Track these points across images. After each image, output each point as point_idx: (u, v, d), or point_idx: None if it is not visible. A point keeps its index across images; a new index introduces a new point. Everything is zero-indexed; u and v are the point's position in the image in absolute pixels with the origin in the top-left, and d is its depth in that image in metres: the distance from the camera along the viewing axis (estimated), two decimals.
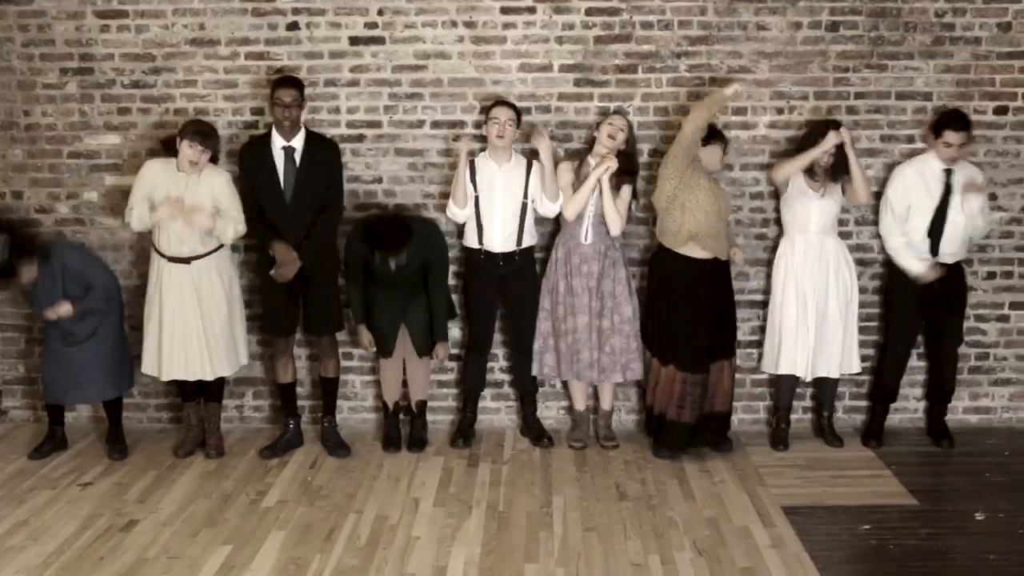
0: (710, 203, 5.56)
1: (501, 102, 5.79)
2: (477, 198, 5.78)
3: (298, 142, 5.63)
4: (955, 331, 6.00)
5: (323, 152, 5.70)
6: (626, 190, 5.75)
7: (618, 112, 5.86)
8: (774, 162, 5.98)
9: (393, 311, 5.80)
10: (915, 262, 5.79)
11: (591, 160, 5.74)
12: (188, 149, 5.50)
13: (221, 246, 5.70)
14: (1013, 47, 5.98)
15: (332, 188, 5.73)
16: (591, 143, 5.81)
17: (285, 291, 5.73)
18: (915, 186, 5.78)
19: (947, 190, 5.73)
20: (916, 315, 5.92)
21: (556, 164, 5.78)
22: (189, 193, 5.53)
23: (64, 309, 5.53)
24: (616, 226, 5.74)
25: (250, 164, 5.68)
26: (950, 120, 5.70)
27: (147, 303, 5.75)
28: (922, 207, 5.77)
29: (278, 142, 5.62)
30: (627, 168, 5.72)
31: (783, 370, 5.89)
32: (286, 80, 5.65)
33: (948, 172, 5.74)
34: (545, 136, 5.67)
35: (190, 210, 5.50)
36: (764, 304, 6.13)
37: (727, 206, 5.70)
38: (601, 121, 5.76)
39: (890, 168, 5.99)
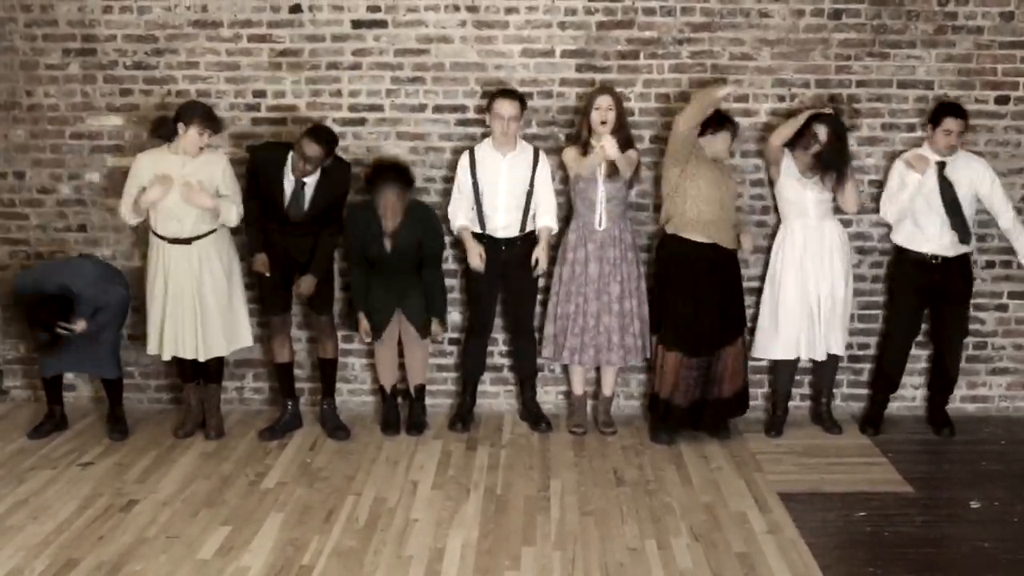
0: (712, 192, 5.58)
1: (505, 94, 5.74)
2: (477, 184, 5.78)
3: (311, 179, 5.61)
4: (959, 321, 6.00)
5: (334, 180, 5.67)
6: (631, 155, 5.72)
7: (603, 91, 5.77)
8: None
9: (388, 295, 5.80)
10: (911, 178, 5.75)
11: (593, 142, 5.71)
12: (198, 137, 5.50)
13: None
14: (1015, 36, 5.97)
15: (335, 208, 5.75)
16: (584, 125, 5.76)
17: (281, 269, 5.75)
18: (906, 175, 5.79)
19: (945, 183, 5.72)
20: (917, 304, 5.93)
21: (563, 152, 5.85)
22: (188, 177, 5.53)
23: (80, 327, 5.55)
24: (627, 166, 5.69)
25: (258, 171, 5.66)
26: (949, 107, 5.74)
27: (148, 285, 5.75)
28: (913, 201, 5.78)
29: (291, 173, 5.61)
30: (624, 146, 5.68)
31: (779, 356, 5.91)
32: (321, 132, 5.56)
33: (942, 164, 5.74)
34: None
35: (190, 190, 5.50)
36: (764, 291, 6.14)
37: (732, 194, 5.71)
38: (588, 105, 5.71)
39: (890, 157, 6.00)
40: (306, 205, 5.62)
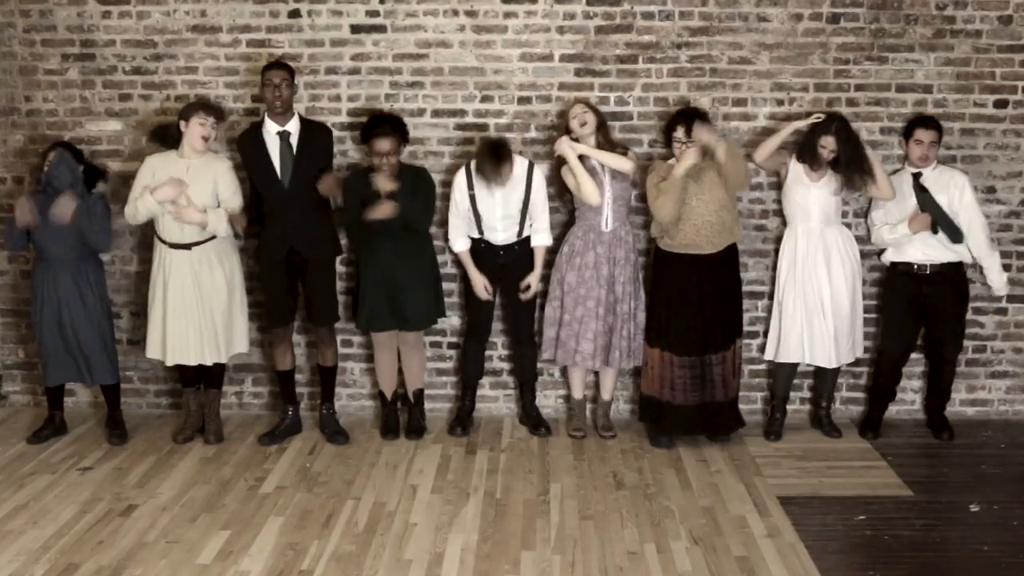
0: (691, 213, 5.59)
1: (496, 164, 5.62)
2: (474, 200, 5.77)
3: (292, 126, 5.64)
4: (954, 338, 5.95)
5: (319, 137, 5.72)
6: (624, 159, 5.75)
7: (574, 103, 5.80)
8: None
9: (388, 287, 5.75)
10: (901, 228, 5.76)
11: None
12: (199, 127, 5.53)
13: None
14: (1014, 40, 5.98)
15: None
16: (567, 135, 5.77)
17: (283, 280, 5.76)
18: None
19: (921, 191, 5.71)
20: (909, 319, 5.91)
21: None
22: (191, 179, 5.54)
23: (67, 201, 5.48)
24: (628, 167, 5.69)
25: (245, 151, 5.70)
26: (920, 119, 5.80)
27: (150, 289, 5.76)
28: (892, 216, 5.81)
29: (272, 128, 5.62)
30: (609, 144, 5.74)
31: (781, 359, 5.91)
32: (274, 63, 5.69)
33: (917, 175, 5.76)
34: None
35: (179, 208, 5.48)
36: (763, 295, 6.17)
37: (720, 196, 5.62)
38: (565, 121, 5.76)
39: (889, 161, 5.99)
40: (293, 163, 5.60)
